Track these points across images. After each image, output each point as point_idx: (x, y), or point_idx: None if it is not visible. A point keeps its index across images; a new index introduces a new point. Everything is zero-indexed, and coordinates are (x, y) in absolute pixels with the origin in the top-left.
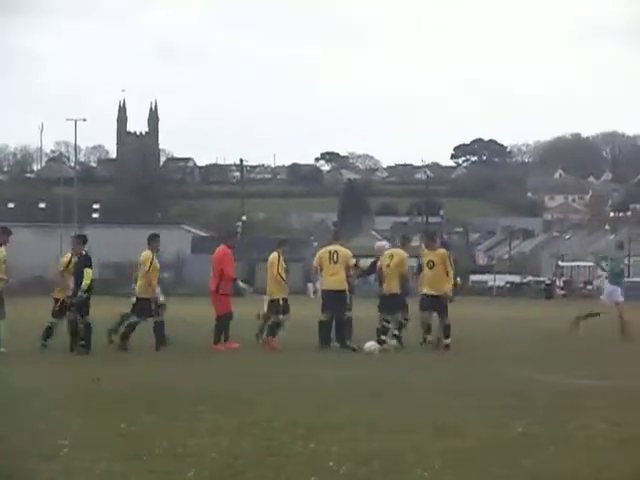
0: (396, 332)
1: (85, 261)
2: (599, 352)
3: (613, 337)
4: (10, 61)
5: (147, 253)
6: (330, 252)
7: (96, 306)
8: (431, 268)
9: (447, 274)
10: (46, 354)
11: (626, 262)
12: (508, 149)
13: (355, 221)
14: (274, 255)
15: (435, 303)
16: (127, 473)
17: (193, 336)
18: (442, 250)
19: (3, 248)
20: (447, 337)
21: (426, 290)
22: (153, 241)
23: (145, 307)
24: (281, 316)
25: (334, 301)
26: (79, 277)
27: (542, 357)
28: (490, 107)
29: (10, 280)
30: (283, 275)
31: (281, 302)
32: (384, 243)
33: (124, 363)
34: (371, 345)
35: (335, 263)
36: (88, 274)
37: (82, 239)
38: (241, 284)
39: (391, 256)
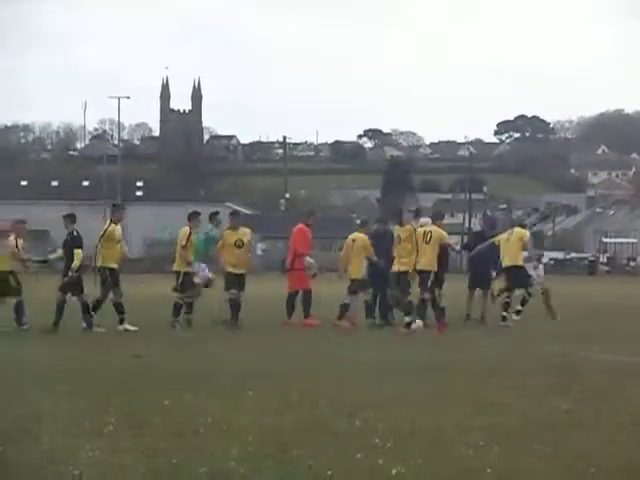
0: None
1: (75, 241)
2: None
3: None
4: (49, 40)
5: (185, 229)
6: (425, 232)
7: (148, 284)
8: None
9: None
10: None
11: None
12: (551, 125)
13: (398, 198)
14: (362, 237)
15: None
16: (171, 450)
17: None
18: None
19: (119, 226)
20: (408, 314)
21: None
22: (193, 218)
23: (187, 281)
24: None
25: (421, 281)
26: (70, 257)
27: (587, 334)
28: (533, 83)
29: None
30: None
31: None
32: (427, 220)
33: (165, 341)
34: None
35: (427, 244)
36: (78, 255)
37: (71, 218)
38: (308, 260)
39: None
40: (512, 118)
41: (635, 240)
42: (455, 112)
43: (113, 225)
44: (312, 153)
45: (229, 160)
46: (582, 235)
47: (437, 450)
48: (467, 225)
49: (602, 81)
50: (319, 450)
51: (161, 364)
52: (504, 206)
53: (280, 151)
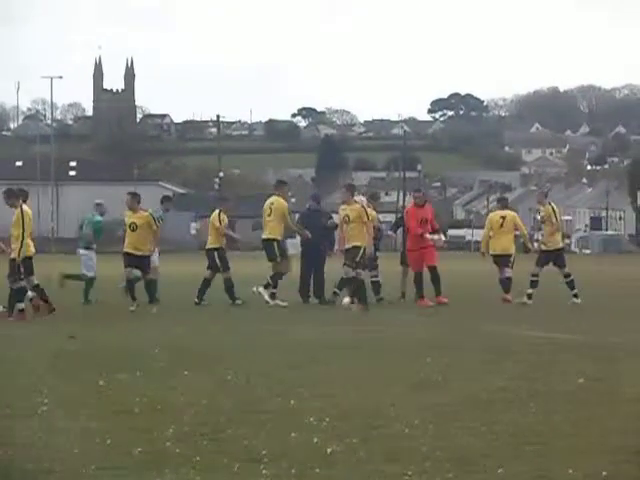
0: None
1: None
2: (571, 306)
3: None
4: None
5: (216, 211)
6: (501, 217)
7: (76, 264)
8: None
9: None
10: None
11: (603, 215)
12: (485, 103)
13: (332, 177)
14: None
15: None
16: (107, 430)
17: (174, 295)
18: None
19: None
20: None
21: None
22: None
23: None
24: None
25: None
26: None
27: (517, 312)
28: (466, 61)
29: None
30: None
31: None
32: (361, 198)
33: (98, 322)
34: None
35: (501, 227)
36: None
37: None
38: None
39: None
40: (446, 96)
41: (570, 217)
42: (388, 90)
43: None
44: (246, 132)
45: (162, 139)
46: (517, 213)
47: (372, 429)
48: (401, 204)
49: (536, 59)
50: (254, 429)
51: (96, 344)
52: (438, 184)
53: (214, 130)
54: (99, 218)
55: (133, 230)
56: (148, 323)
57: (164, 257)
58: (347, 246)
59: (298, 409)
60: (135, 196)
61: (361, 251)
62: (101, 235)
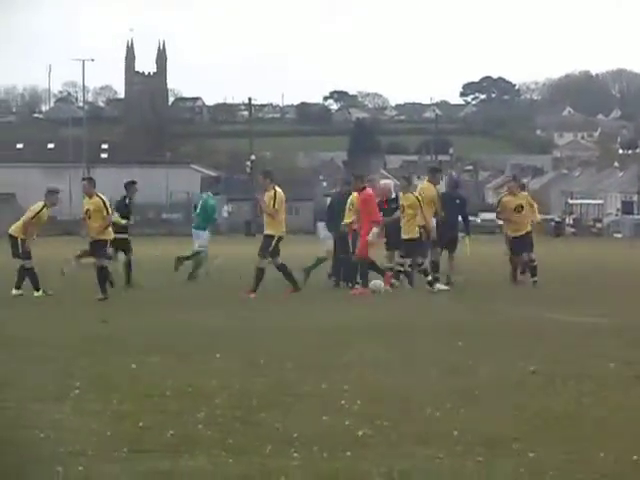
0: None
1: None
2: (603, 290)
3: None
4: (10, 2)
5: (270, 193)
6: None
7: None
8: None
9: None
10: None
11: (635, 199)
12: (517, 87)
13: (364, 160)
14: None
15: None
16: (138, 413)
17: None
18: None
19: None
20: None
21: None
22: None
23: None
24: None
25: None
26: None
27: (551, 296)
28: (499, 44)
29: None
30: None
31: None
32: (388, 181)
33: (130, 306)
34: (377, 283)
35: (519, 213)
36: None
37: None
38: None
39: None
40: (478, 79)
41: (601, 201)
42: (421, 73)
43: (45, 209)
44: (278, 115)
45: (194, 122)
46: (548, 196)
47: (403, 412)
48: None
49: (568, 42)
50: (286, 412)
51: (128, 328)
52: (470, 167)
53: (245, 113)
54: (213, 200)
55: (90, 217)
56: (180, 307)
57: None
58: (404, 237)
59: (329, 392)
60: (91, 181)
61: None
62: (214, 215)
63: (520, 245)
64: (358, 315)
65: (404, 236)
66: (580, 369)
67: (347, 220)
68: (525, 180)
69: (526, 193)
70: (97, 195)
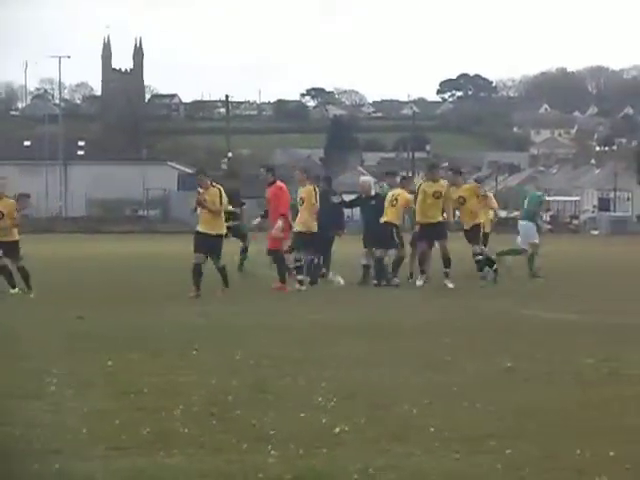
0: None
1: None
2: (580, 287)
3: (587, 272)
4: None
5: (309, 188)
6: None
7: (85, 244)
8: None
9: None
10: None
11: (611, 196)
12: (494, 84)
13: (342, 157)
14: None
15: None
16: (115, 410)
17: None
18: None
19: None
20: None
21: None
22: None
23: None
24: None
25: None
26: None
27: (527, 292)
28: (476, 41)
29: None
30: None
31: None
32: (368, 178)
33: (107, 303)
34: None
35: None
36: None
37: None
38: None
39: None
40: (455, 77)
41: (577, 198)
42: (398, 70)
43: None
44: (255, 112)
45: (171, 119)
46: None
47: (380, 409)
48: None
49: (544, 40)
50: (263, 409)
51: (104, 325)
52: (447, 164)
53: (222, 110)
54: (539, 193)
55: (1, 218)
56: (158, 304)
57: (175, 238)
58: (465, 227)
59: (306, 389)
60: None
61: (482, 228)
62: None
63: (468, 237)
64: (344, 313)
65: (466, 227)
66: (556, 365)
67: (386, 218)
68: (501, 178)
69: (474, 184)
70: (6, 196)
